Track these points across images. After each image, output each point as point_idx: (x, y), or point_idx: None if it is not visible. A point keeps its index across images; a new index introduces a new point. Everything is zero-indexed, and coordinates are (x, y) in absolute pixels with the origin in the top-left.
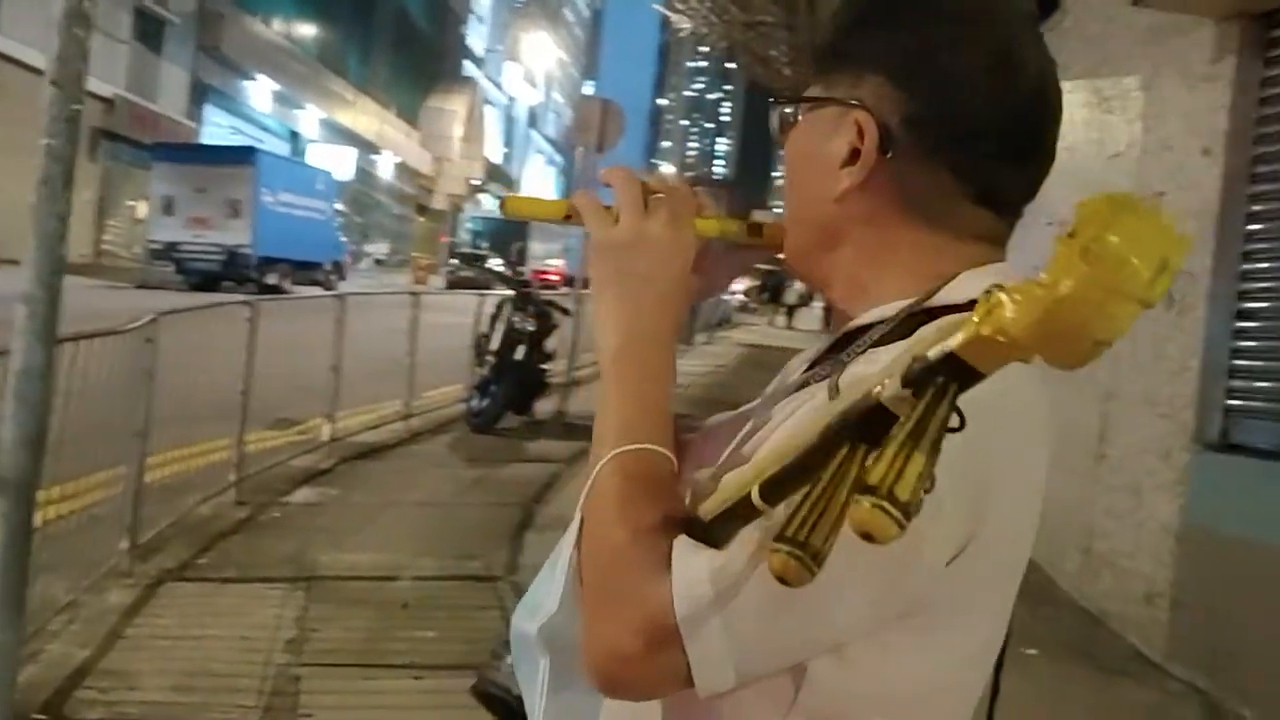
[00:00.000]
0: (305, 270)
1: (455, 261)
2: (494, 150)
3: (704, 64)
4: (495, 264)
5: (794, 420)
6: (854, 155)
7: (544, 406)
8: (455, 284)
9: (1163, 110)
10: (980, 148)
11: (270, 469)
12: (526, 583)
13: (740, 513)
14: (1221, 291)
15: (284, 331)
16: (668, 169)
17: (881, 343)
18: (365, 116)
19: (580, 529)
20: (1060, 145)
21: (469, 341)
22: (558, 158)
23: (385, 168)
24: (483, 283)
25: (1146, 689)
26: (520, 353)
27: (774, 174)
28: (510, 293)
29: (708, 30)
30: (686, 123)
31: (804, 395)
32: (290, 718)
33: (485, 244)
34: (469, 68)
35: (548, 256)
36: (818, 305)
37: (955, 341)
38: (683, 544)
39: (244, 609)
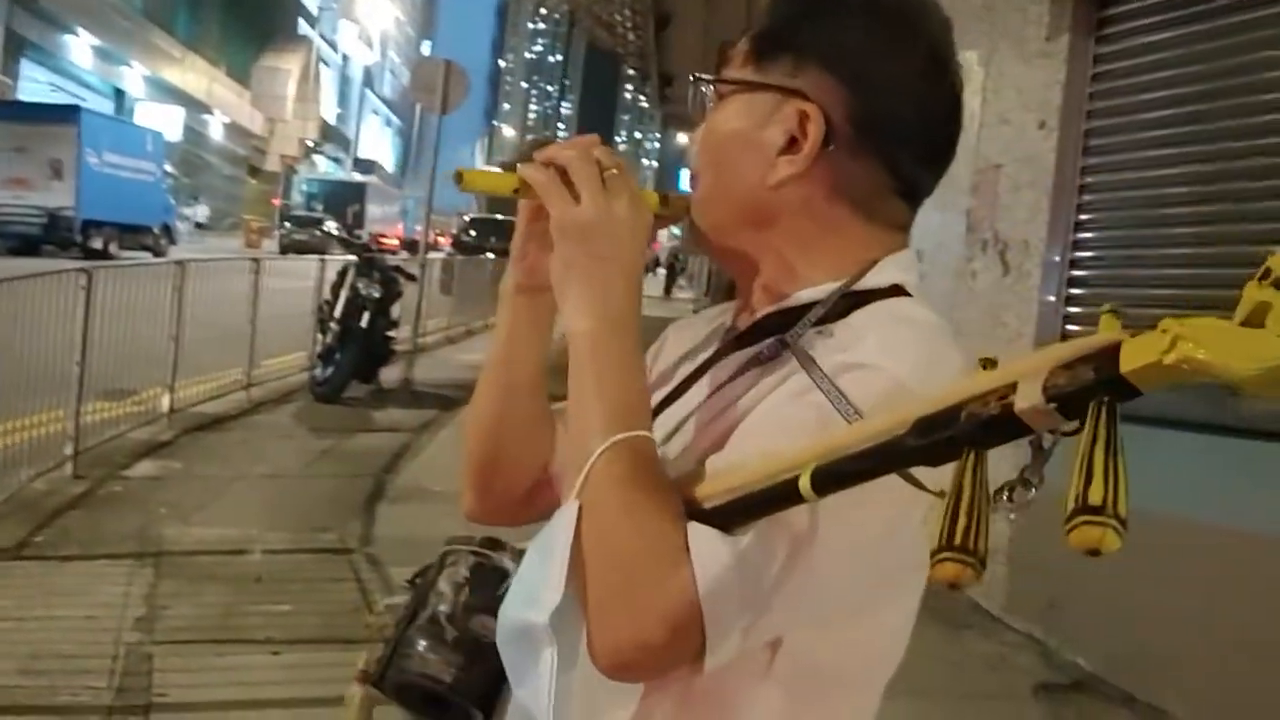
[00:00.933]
0: (133, 234)
1: (289, 225)
2: (329, 110)
3: (544, 26)
4: (331, 227)
5: (775, 403)
6: (791, 144)
7: (390, 374)
8: (289, 248)
9: (1000, 85)
10: (913, 148)
11: (109, 441)
12: (382, 554)
13: (772, 500)
14: (1054, 260)
15: (116, 298)
16: (509, 132)
17: (821, 323)
18: (194, 75)
19: (579, 520)
20: None
21: (310, 308)
22: (395, 119)
23: (216, 128)
24: (318, 246)
25: (988, 641)
26: (365, 320)
27: (617, 139)
28: (354, 258)
29: None
30: (527, 85)
31: (761, 375)
32: (144, 697)
33: (320, 206)
34: (303, 26)
35: (385, 219)
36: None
37: (1128, 365)
38: (697, 530)
39: (88, 588)
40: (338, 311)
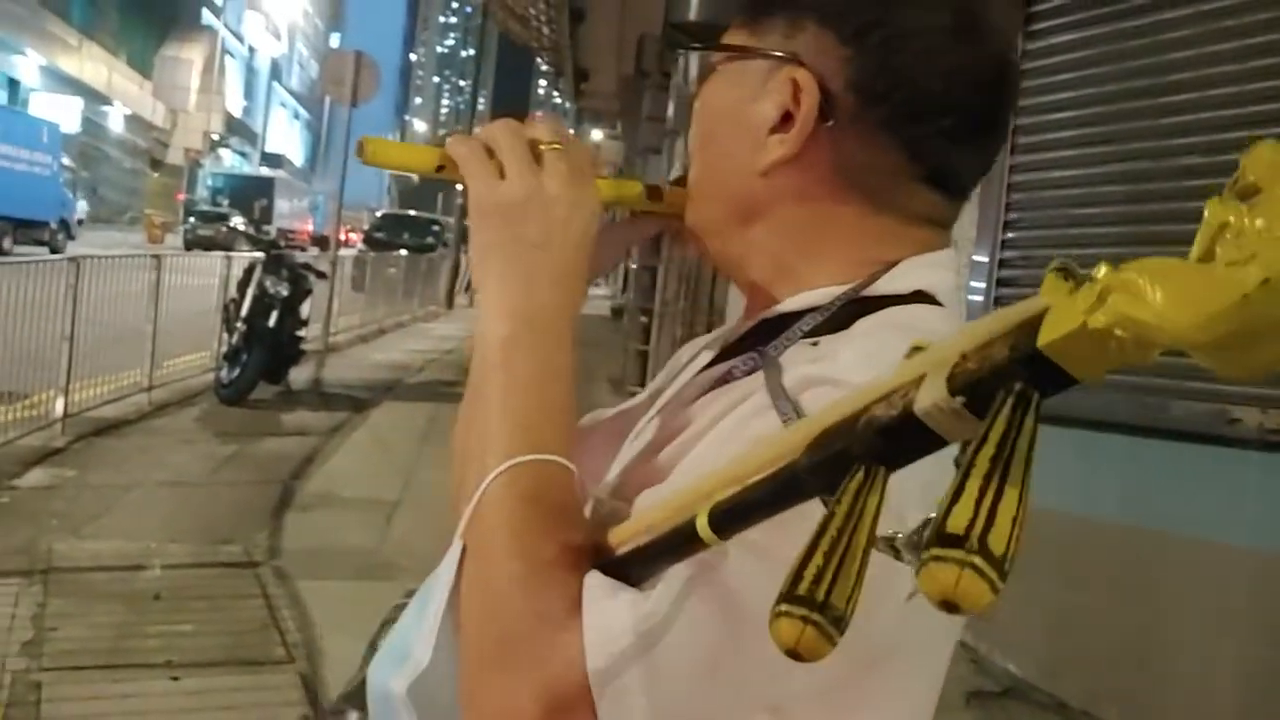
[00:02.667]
0: (28, 229)
1: (194, 220)
2: (235, 103)
3: (455, 20)
4: (238, 222)
5: (728, 428)
6: (786, 120)
7: (299, 375)
8: (194, 243)
9: None
10: (937, 122)
11: None
12: (291, 568)
13: (674, 546)
14: (982, 260)
15: (7, 296)
16: (420, 126)
17: (815, 334)
18: (92, 64)
19: (460, 562)
20: None
21: (214, 306)
22: (303, 112)
23: (116, 120)
24: (224, 242)
25: None
26: (273, 319)
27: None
28: (261, 255)
29: None
30: (439, 79)
31: (724, 395)
32: None
33: (226, 201)
34: (207, 15)
35: (294, 215)
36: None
37: (1047, 336)
38: (595, 582)
39: None
40: (244, 310)
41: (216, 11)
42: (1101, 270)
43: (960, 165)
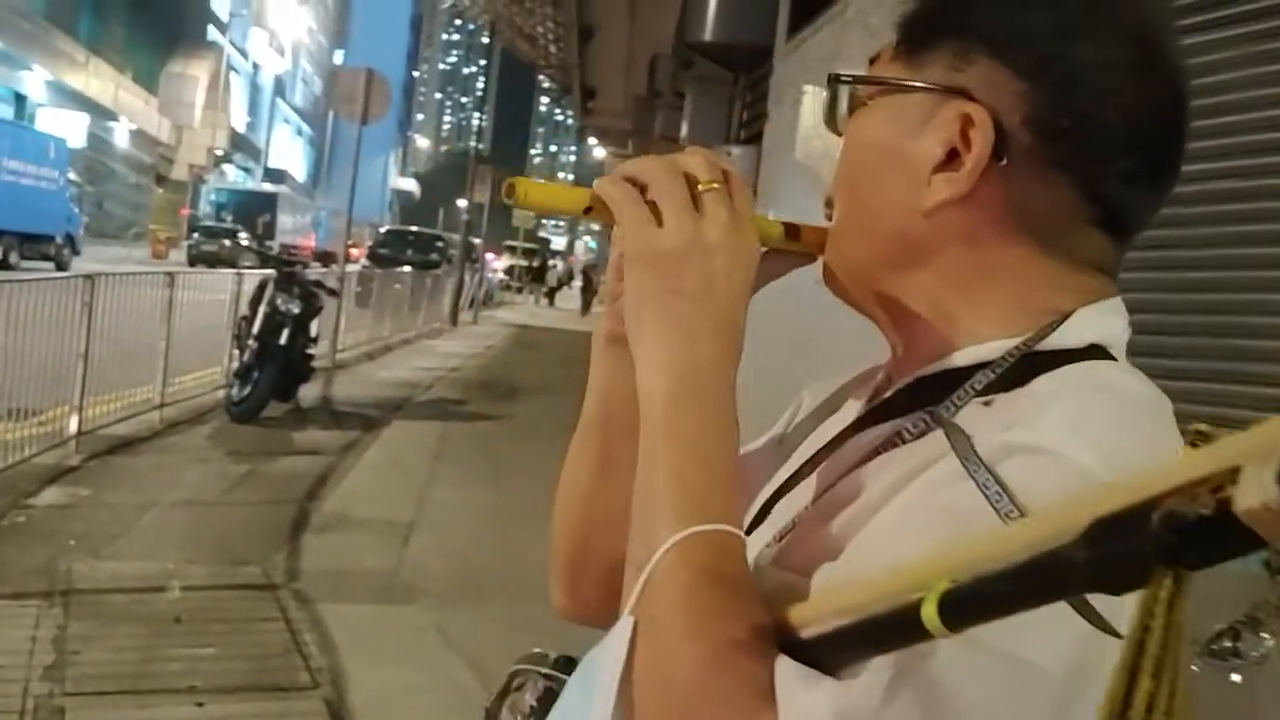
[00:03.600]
0: (34, 243)
1: (198, 235)
2: (239, 119)
3: (458, 37)
4: (242, 238)
5: (913, 498)
6: (951, 157)
7: (308, 393)
8: (198, 259)
9: None
10: (1116, 162)
11: (11, 467)
12: (310, 590)
13: (887, 633)
14: None
15: (20, 311)
16: (423, 142)
17: (988, 392)
18: (99, 80)
19: (633, 641)
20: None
21: (223, 322)
22: (306, 128)
23: (121, 135)
24: (228, 257)
25: None
26: (285, 336)
27: (531, 151)
28: (272, 272)
29: (470, 3)
30: (441, 96)
31: (898, 460)
32: None
33: (230, 217)
34: (212, 32)
35: (297, 230)
36: (576, 285)
37: None
38: (789, 670)
39: None
40: (256, 328)
41: (222, 28)
42: None
43: (1134, 207)
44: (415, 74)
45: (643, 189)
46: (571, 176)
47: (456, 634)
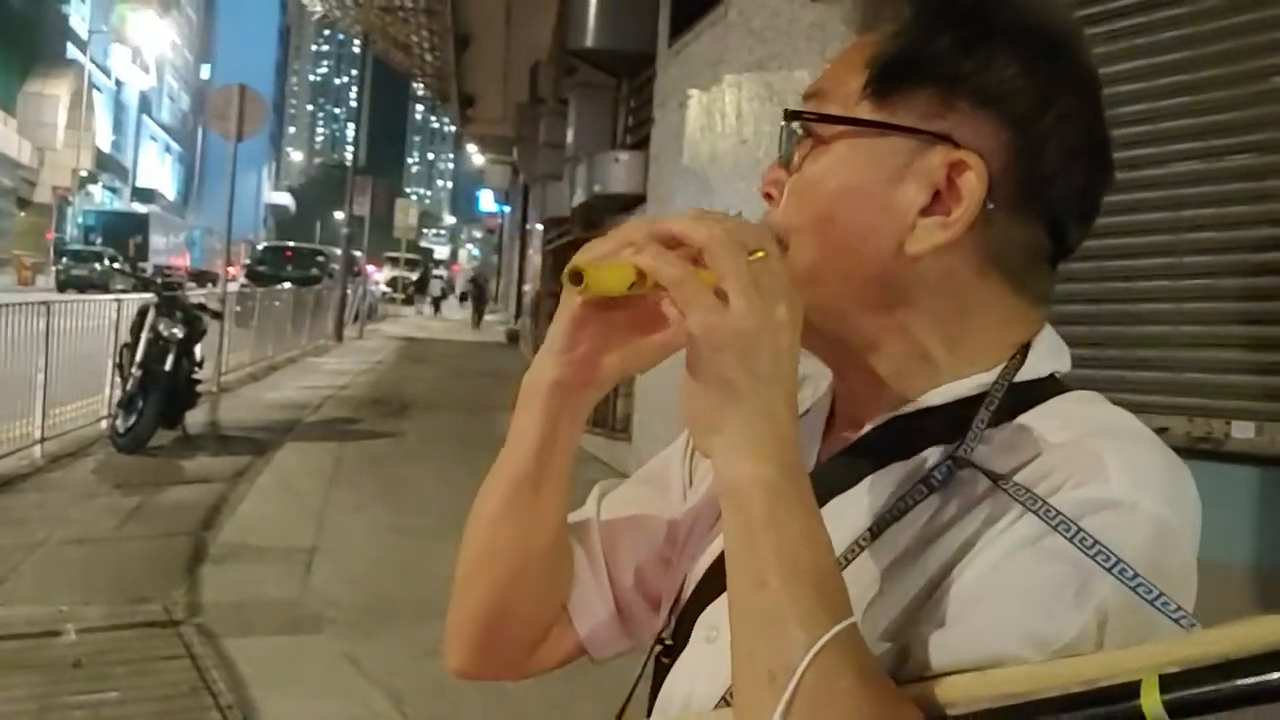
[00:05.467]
0: None
1: (66, 260)
2: (104, 139)
3: (328, 48)
4: (113, 261)
5: (1000, 560)
6: (934, 200)
7: (195, 419)
8: (67, 284)
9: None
10: (1080, 204)
11: None
12: (214, 625)
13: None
14: None
15: None
16: (296, 156)
17: (993, 425)
18: None
19: None
20: (736, 139)
21: (103, 349)
22: (175, 145)
23: None
24: (99, 281)
25: None
26: (169, 362)
27: (409, 160)
28: (152, 297)
29: (341, 14)
30: (313, 108)
31: (944, 512)
32: None
33: (99, 239)
34: (72, 50)
35: (170, 250)
36: (455, 295)
37: None
38: None
39: None
40: (139, 355)
41: (82, 46)
42: None
43: (1076, 242)
44: (286, 86)
45: (689, 254)
46: (450, 184)
47: (368, 661)
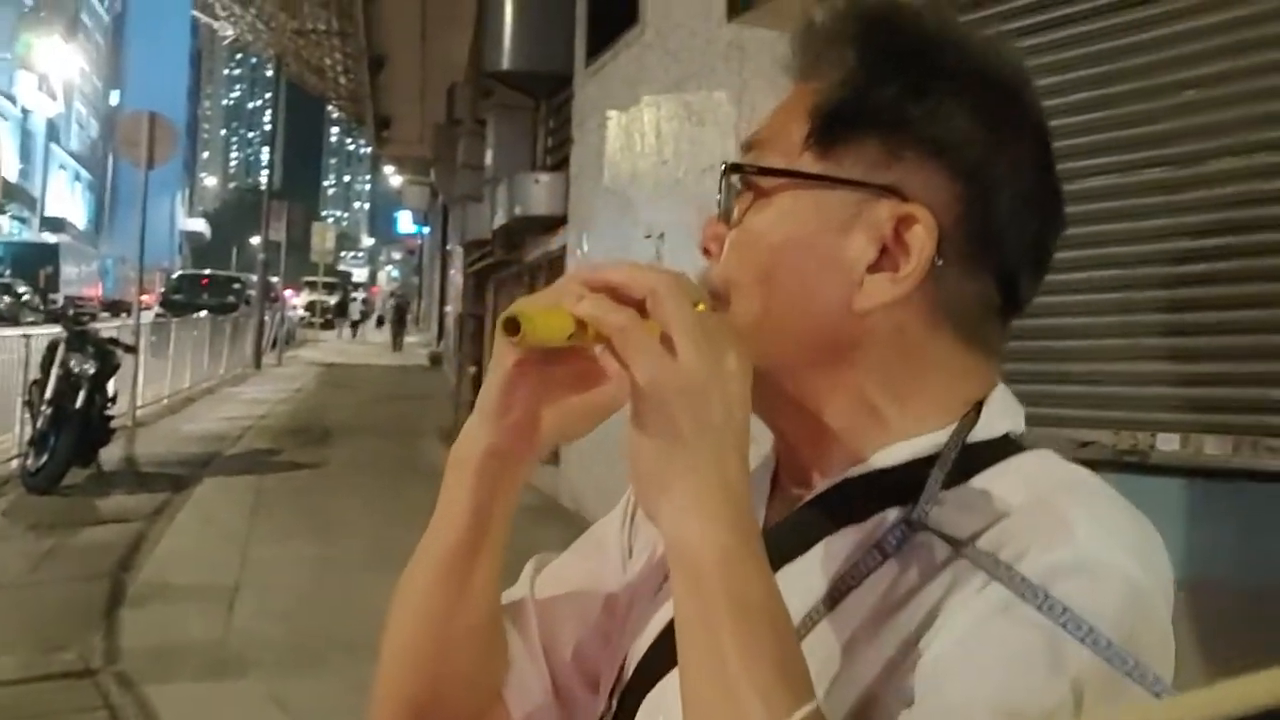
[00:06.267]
0: None
1: None
2: (10, 167)
3: (240, 71)
4: (23, 293)
5: (968, 629)
6: (882, 255)
7: (110, 455)
8: None
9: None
10: (1032, 253)
11: None
12: (134, 671)
13: None
14: None
15: None
16: (210, 181)
17: (947, 487)
18: None
19: None
20: (656, 159)
21: (13, 386)
22: (85, 173)
23: None
24: (9, 314)
25: None
26: (80, 399)
27: (325, 182)
28: (62, 331)
29: (253, 38)
30: (226, 132)
31: (902, 582)
32: None
33: (8, 271)
34: None
35: (82, 281)
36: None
37: None
38: None
39: None
40: (49, 392)
41: None
42: None
43: (1026, 295)
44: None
45: (630, 301)
46: (367, 205)
47: (296, 702)
